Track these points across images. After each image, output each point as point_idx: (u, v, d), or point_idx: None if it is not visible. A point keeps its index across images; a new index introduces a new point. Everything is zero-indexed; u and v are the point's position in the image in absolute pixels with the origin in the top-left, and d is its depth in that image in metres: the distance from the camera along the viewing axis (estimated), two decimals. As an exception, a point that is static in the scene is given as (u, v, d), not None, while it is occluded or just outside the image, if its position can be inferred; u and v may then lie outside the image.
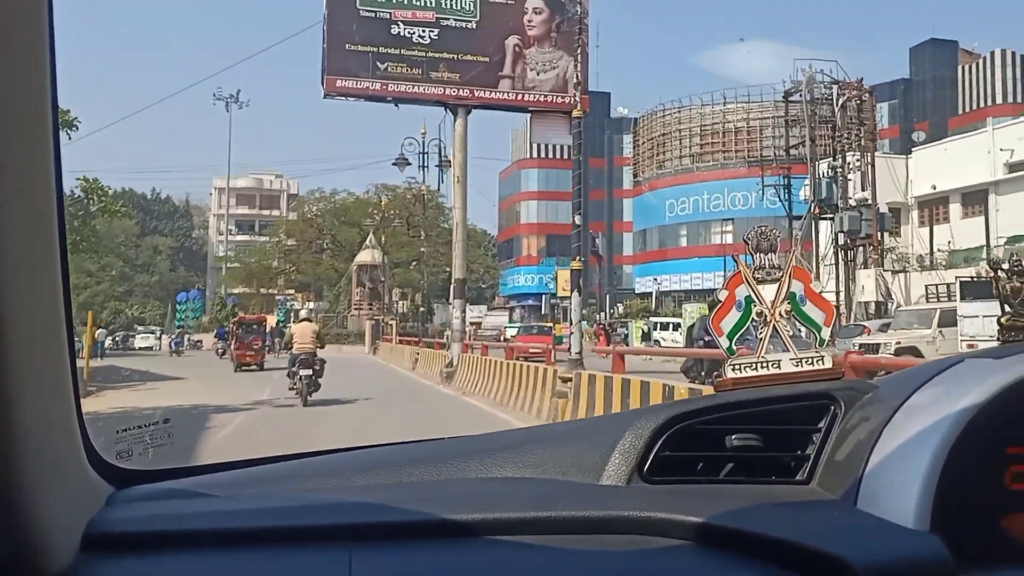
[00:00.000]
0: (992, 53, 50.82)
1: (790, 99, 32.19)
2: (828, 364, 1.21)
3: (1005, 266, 11.19)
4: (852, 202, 28.36)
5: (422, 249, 41.11)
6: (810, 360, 1.22)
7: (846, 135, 29.18)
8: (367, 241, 47.50)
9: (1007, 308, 10.82)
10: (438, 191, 37.45)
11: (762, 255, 1.27)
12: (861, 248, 28.77)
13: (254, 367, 24.83)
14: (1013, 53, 50.60)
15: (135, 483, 1.00)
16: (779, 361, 1.22)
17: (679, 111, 59.21)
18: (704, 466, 1.05)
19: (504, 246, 70.29)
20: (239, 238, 71.48)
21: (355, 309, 47.59)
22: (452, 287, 21.85)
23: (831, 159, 29.05)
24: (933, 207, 33.25)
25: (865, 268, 28.83)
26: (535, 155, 66.86)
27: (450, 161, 23.99)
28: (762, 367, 1.22)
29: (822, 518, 0.91)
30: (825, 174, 28.96)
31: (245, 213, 78.56)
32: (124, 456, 1.09)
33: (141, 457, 1.08)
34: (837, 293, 27.35)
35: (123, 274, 64.48)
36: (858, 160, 28.77)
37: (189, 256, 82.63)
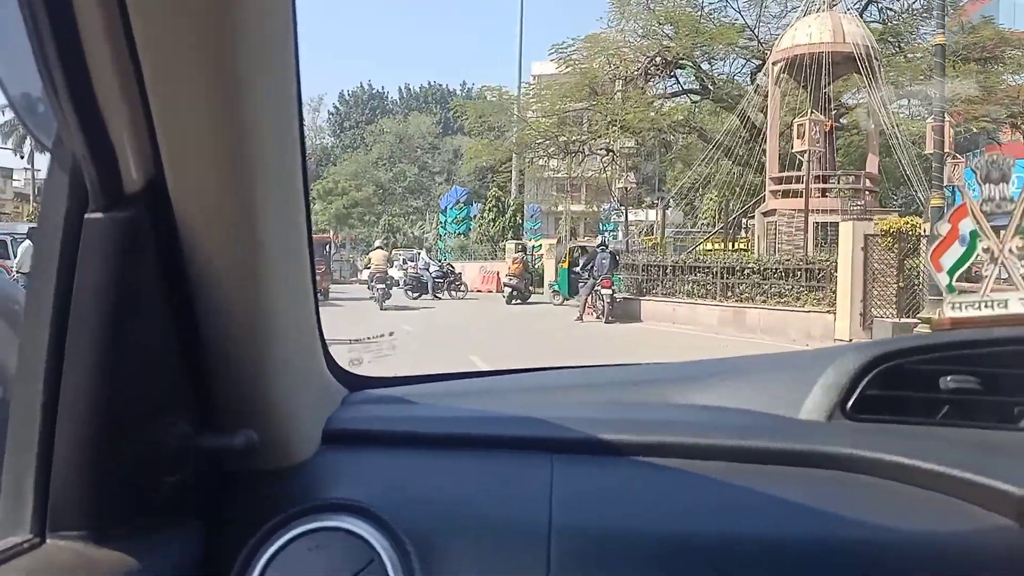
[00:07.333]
0: None
1: None
2: (1067, 305, 1.56)
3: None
4: None
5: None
6: (1043, 300, 1.57)
7: None
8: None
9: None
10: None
11: (991, 185, 1.65)
12: None
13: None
14: None
15: (365, 388, 1.40)
16: (1006, 300, 1.62)
17: None
18: (914, 407, 1.24)
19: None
20: None
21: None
22: None
23: None
24: None
25: None
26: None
27: None
28: (986, 307, 1.62)
29: None
30: None
31: None
32: (356, 363, 1.52)
33: (370, 365, 1.79)
34: None
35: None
36: None
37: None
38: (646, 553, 1.01)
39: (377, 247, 25.89)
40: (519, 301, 25.29)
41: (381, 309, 21.86)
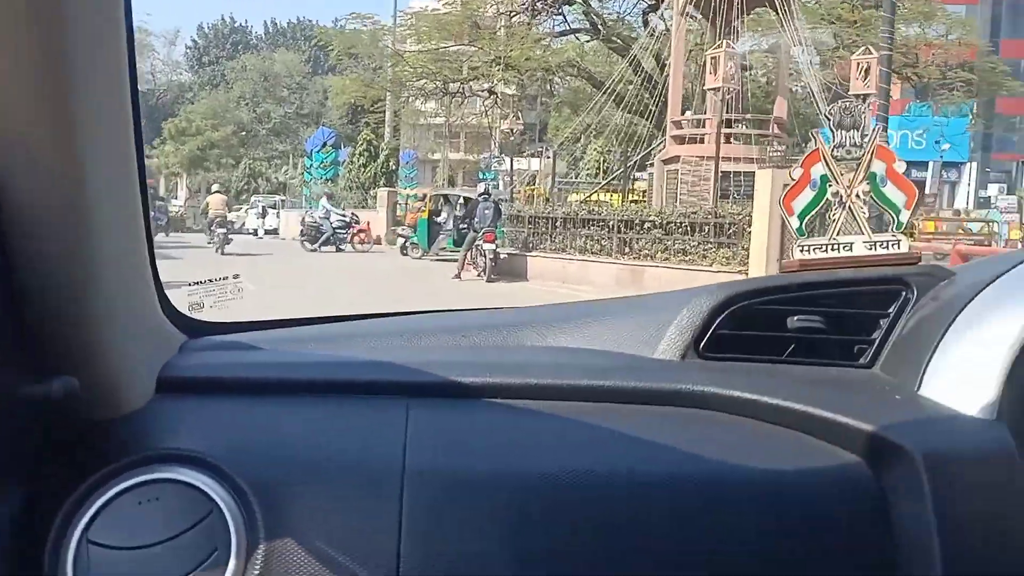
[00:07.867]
0: None
1: None
2: (904, 248, 1.64)
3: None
4: None
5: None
6: (885, 244, 1.64)
7: None
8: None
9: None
10: None
11: (843, 132, 1.71)
12: None
13: None
14: None
15: (206, 334, 1.37)
16: (851, 244, 1.62)
17: None
18: (763, 346, 1.32)
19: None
20: None
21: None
22: None
23: None
24: None
25: None
26: None
27: None
28: (832, 249, 1.59)
29: (881, 402, 1.16)
30: None
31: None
32: (196, 308, 1.51)
33: (212, 310, 1.53)
34: None
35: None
36: None
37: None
38: (500, 493, 1.05)
39: (216, 191, 26.31)
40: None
41: (221, 255, 22.34)
